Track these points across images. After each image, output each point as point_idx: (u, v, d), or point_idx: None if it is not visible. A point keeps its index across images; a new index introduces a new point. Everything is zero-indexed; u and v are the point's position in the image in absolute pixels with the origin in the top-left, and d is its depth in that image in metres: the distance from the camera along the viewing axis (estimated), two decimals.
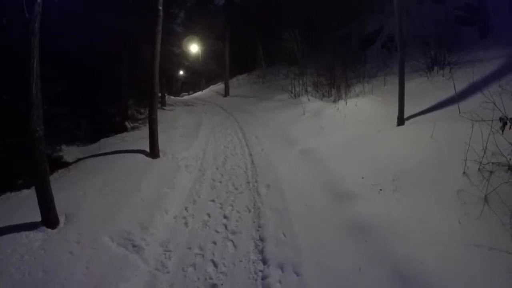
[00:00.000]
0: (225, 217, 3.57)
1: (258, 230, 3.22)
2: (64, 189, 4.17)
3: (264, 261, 2.73)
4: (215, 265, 2.77)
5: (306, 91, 10.12)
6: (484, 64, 5.31)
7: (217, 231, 3.30)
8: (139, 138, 6.61)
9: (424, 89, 5.78)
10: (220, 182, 4.55)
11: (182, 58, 17.84)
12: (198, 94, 22.98)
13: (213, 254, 2.93)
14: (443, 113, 4.45)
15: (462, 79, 4.85)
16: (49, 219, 3.31)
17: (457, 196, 2.59)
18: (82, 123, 8.85)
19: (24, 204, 3.93)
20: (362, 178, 3.49)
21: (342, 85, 8.19)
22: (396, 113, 4.83)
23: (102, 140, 7.14)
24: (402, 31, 4.98)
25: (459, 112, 4.01)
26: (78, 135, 8.39)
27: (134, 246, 3.04)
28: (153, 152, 5.29)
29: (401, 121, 4.74)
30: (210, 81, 26.47)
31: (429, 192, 2.80)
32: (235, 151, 6.00)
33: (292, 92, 10.50)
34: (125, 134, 7.74)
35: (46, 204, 3.26)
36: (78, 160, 5.78)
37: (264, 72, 17.76)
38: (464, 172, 2.75)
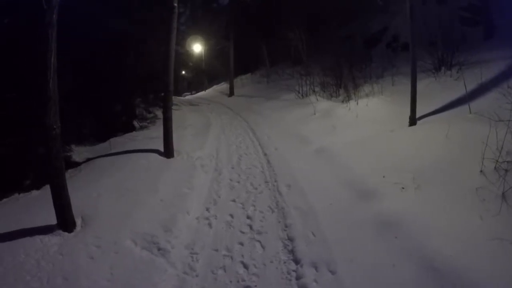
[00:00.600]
0: (248, 217, 3.48)
1: (285, 230, 3.14)
2: (77, 190, 4.01)
3: (296, 261, 2.65)
4: (246, 266, 2.68)
5: (314, 91, 10.05)
6: (490, 64, 5.30)
7: (242, 232, 3.21)
8: (149, 137, 6.52)
9: (432, 90, 5.79)
10: (238, 182, 4.46)
11: (186, 57, 17.79)
12: (201, 94, 22.89)
13: (242, 255, 2.84)
14: (453, 113, 4.48)
15: (470, 79, 4.85)
16: (66, 221, 3.13)
17: (476, 194, 2.66)
18: (88, 122, 8.76)
19: (34, 206, 3.77)
20: (383, 177, 3.54)
21: (350, 85, 8.18)
22: (406, 113, 4.84)
23: (112, 140, 7.04)
24: (414, 33, 4.94)
25: (470, 112, 4.04)
26: (84, 134, 8.33)
27: (159, 249, 2.94)
28: (168, 151, 5.19)
29: (413, 121, 4.74)
30: (212, 81, 26.37)
31: (449, 190, 2.88)
32: (248, 151, 5.91)
33: (299, 92, 10.44)
34: (134, 133, 7.64)
35: (62, 206, 3.09)
36: (88, 160, 5.68)
37: (268, 72, 17.66)
38: (481, 171, 2.83)
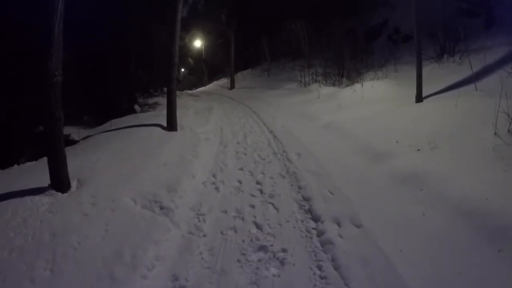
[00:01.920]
0: (258, 183, 3.23)
1: (299, 192, 2.90)
2: (75, 158, 3.75)
3: (315, 219, 2.41)
4: (259, 227, 2.42)
5: (316, 80, 9.97)
6: (492, 50, 5.31)
7: (252, 195, 2.95)
8: (151, 115, 6.25)
9: (436, 74, 5.74)
10: (245, 154, 4.21)
11: (186, 51, 17.56)
12: (202, 89, 22.59)
13: (254, 216, 2.58)
14: (459, 92, 4.38)
15: (474, 63, 4.85)
16: (60, 181, 2.85)
17: (494, 151, 2.64)
18: (89, 108, 8.56)
19: (28, 173, 3.48)
20: (397, 142, 3.47)
21: (353, 74, 8.23)
22: (411, 93, 4.82)
23: (113, 120, 6.75)
24: (418, 16, 4.97)
25: (476, 90, 4.05)
26: (85, 120, 8.18)
27: (161, 208, 2.67)
28: (171, 124, 4.93)
29: (419, 98, 4.66)
30: (212, 77, 26.12)
31: (466, 149, 2.85)
32: (253, 129, 5.66)
33: (301, 82, 10.32)
34: (135, 114, 7.35)
35: (56, 163, 2.81)
36: (88, 137, 5.39)
37: (269, 66, 17.47)
38: (495, 133, 2.81)
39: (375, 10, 12.94)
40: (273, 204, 2.74)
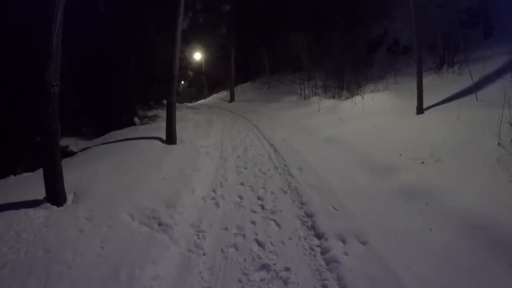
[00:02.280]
0: (259, 198, 3.16)
1: (301, 207, 2.83)
2: (73, 170, 3.68)
3: (319, 236, 2.34)
4: (261, 245, 2.34)
5: (316, 93, 10.06)
6: (491, 59, 5.36)
7: (253, 211, 2.89)
8: (151, 128, 6.24)
9: (436, 85, 5.81)
10: (245, 168, 4.16)
11: (186, 63, 17.76)
12: (201, 101, 22.73)
13: (255, 233, 2.51)
14: (460, 102, 4.41)
15: (474, 73, 4.90)
16: (55, 194, 2.78)
17: (498, 162, 2.62)
18: (87, 119, 8.55)
19: (24, 184, 3.41)
20: (400, 155, 3.43)
21: (353, 86, 8.29)
22: (411, 105, 4.82)
23: (112, 132, 6.71)
24: (418, 27, 4.98)
25: (477, 100, 4.07)
26: (83, 131, 8.17)
27: (160, 224, 2.60)
28: (170, 137, 4.90)
29: (420, 110, 4.66)
30: (212, 90, 26.36)
31: (470, 161, 2.83)
32: (253, 143, 5.63)
33: (301, 95, 10.41)
34: (134, 127, 7.34)
35: (52, 175, 2.75)
36: (86, 148, 5.33)
37: (269, 79, 17.68)
38: (499, 143, 2.80)
39: (375, 22, 13.18)
40: (275, 221, 2.68)
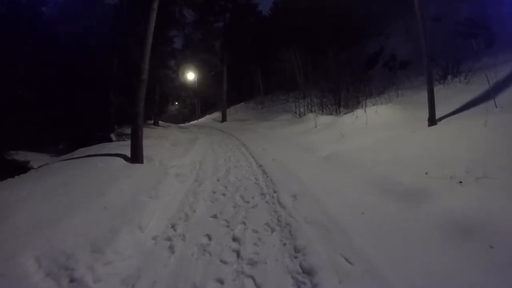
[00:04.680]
0: (235, 239, 2.22)
1: (295, 257, 1.89)
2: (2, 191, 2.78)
3: None
4: None
5: (311, 111, 9.46)
6: (497, 67, 5.04)
7: (224, 262, 1.93)
8: (123, 145, 5.30)
9: (443, 95, 5.37)
10: (224, 194, 3.24)
11: (179, 84, 17.23)
12: (194, 122, 22.00)
13: None
14: (476, 110, 4.06)
15: (482, 81, 4.58)
16: None
17: None
18: (64, 135, 7.83)
19: None
20: (426, 173, 2.66)
21: (351, 102, 7.88)
22: (420, 117, 4.43)
23: (82, 149, 5.84)
24: (426, 39, 4.54)
25: (496, 107, 3.62)
26: (59, 147, 7.48)
27: (72, 280, 1.64)
28: (135, 155, 3.99)
29: (432, 121, 4.18)
30: (205, 110, 25.78)
31: None
32: (239, 163, 4.73)
33: (296, 113, 9.78)
34: (108, 143, 6.45)
35: None
36: (45, 165, 4.43)
37: (263, 99, 17.15)
38: None
39: (370, 39, 13.26)
40: (253, 279, 1.73)
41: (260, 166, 4.37)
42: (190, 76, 21.04)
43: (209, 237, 2.27)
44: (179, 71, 18.46)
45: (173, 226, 2.44)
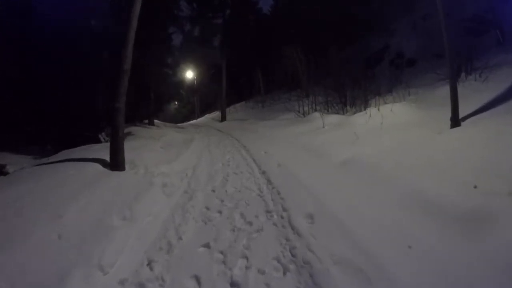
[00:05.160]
0: (234, 284, 1.58)
1: None
2: None
3: None
4: None
5: (315, 110, 8.88)
6: None
7: None
8: (107, 147, 4.65)
9: (460, 94, 4.89)
10: (220, 212, 2.60)
11: (176, 83, 16.57)
12: (192, 121, 21.33)
13: None
14: (500, 110, 3.67)
15: (499, 78, 4.39)
16: None
17: None
18: (52, 136, 7.19)
19: None
20: (475, 187, 2.11)
21: (358, 101, 7.31)
22: (439, 117, 4.08)
23: (64, 151, 5.21)
24: (448, 33, 4.14)
25: None
26: (47, 148, 6.87)
27: None
28: (115, 160, 3.33)
29: (456, 122, 3.75)
30: (205, 110, 25.11)
31: None
32: (238, 169, 4.09)
33: (299, 112, 9.17)
34: (94, 145, 5.81)
35: None
36: (20, 169, 3.81)
37: (263, 98, 16.49)
38: None
39: (375, 35, 12.71)
40: None
41: (264, 173, 3.73)
42: (189, 74, 20.42)
43: (197, 280, 1.64)
44: (177, 68, 17.83)
45: (149, 263, 1.79)
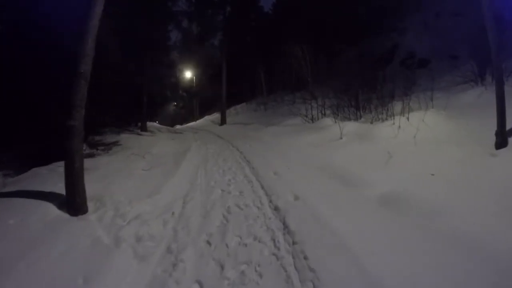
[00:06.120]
0: None
1: None
2: None
3: None
4: None
5: (324, 114, 8.00)
6: None
7: None
8: (88, 164, 3.72)
9: (488, 101, 4.16)
10: None
11: (177, 82, 15.68)
12: (191, 124, 20.41)
13: None
14: None
15: None
16: None
17: None
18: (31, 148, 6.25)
19: None
20: None
21: (375, 105, 6.54)
22: (475, 129, 3.68)
23: (35, 169, 4.28)
24: (494, 31, 3.78)
25: None
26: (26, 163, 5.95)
27: None
28: (73, 201, 2.39)
29: (503, 137, 3.15)
30: (205, 111, 24.20)
31: None
32: (244, 201, 3.17)
33: (307, 116, 8.29)
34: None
35: None
36: None
37: (266, 99, 15.57)
38: None
39: (383, 35, 11.95)
40: None
41: (277, 209, 2.82)
42: (188, 74, 19.49)
43: None
44: (174, 69, 16.91)
45: None
